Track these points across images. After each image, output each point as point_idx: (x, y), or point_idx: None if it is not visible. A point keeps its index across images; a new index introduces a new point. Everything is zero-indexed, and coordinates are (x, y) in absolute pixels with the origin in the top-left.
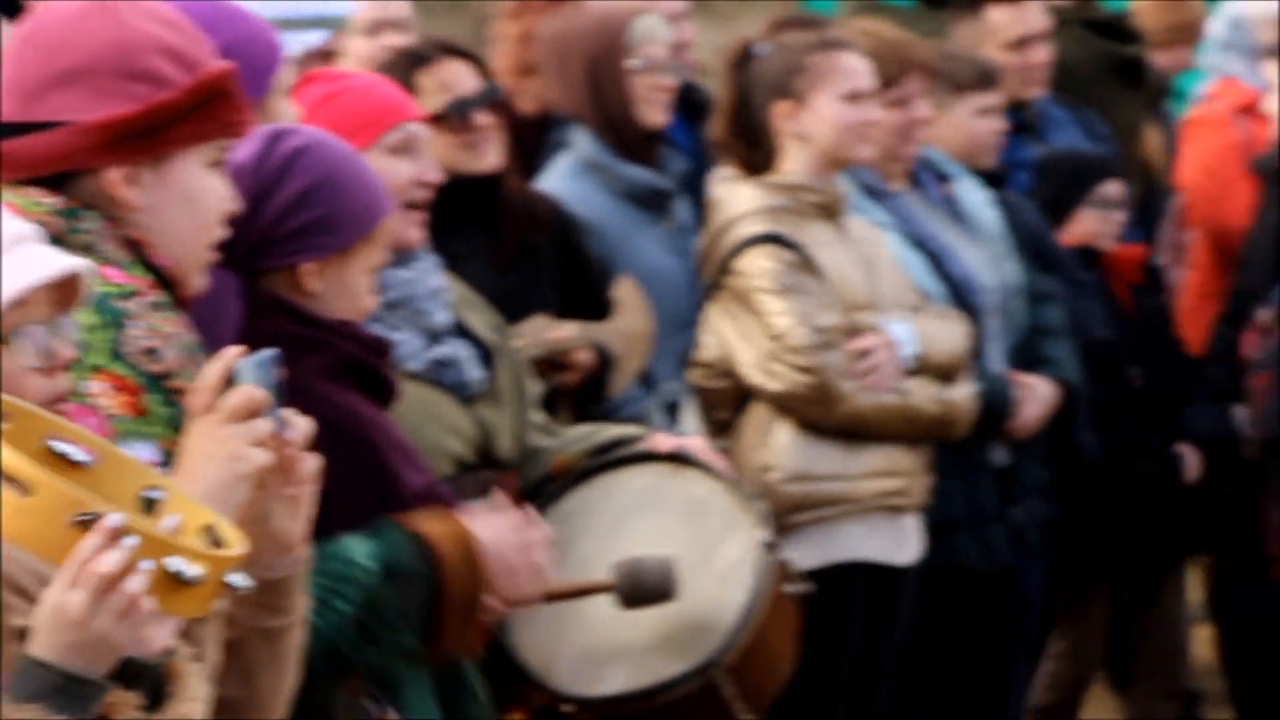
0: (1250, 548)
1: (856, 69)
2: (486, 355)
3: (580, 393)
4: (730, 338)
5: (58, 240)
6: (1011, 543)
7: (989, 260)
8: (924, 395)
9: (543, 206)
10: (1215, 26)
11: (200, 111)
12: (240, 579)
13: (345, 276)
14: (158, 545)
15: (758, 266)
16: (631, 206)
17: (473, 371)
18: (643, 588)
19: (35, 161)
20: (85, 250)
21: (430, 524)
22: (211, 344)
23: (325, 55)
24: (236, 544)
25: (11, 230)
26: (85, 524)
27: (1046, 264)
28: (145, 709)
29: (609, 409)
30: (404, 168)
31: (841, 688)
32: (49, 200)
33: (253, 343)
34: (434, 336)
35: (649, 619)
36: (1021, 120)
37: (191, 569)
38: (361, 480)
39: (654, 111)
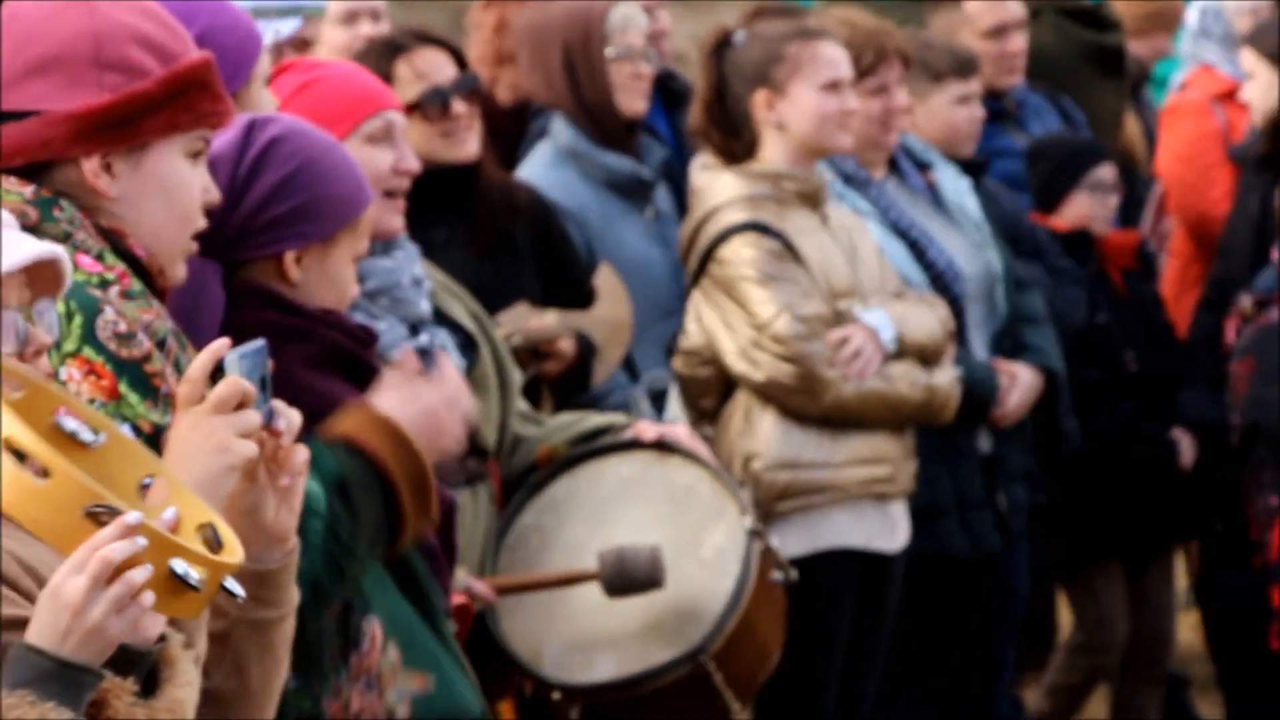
0: (1237, 533)
1: (835, 58)
2: (468, 344)
3: (562, 382)
4: (713, 326)
5: (33, 230)
6: (997, 529)
7: (970, 248)
8: (907, 381)
9: (521, 195)
10: (1190, 14)
11: (176, 102)
12: (236, 586)
13: (328, 265)
14: (165, 545)
15: (740, 255)
16: (612, 195)
17: (455, 360)
18: (629, 576)
19: (9, 151)
20: (61, 239)
21: (347, 425)
22: (193, 334)
23: (299, 44)
24: (235, 549)
25: None
26: (96, 516)
27: (1026, 251)
28: (138, 695)
29: (594, 397)
30: (382, 156)
31: (830, 675)
32: (24, 189)
33: (235, 332)
34: (415, 325)
35: (636, 607)
36: (999, 108)
37: (194, 573)
38: None
39: (633, 100)
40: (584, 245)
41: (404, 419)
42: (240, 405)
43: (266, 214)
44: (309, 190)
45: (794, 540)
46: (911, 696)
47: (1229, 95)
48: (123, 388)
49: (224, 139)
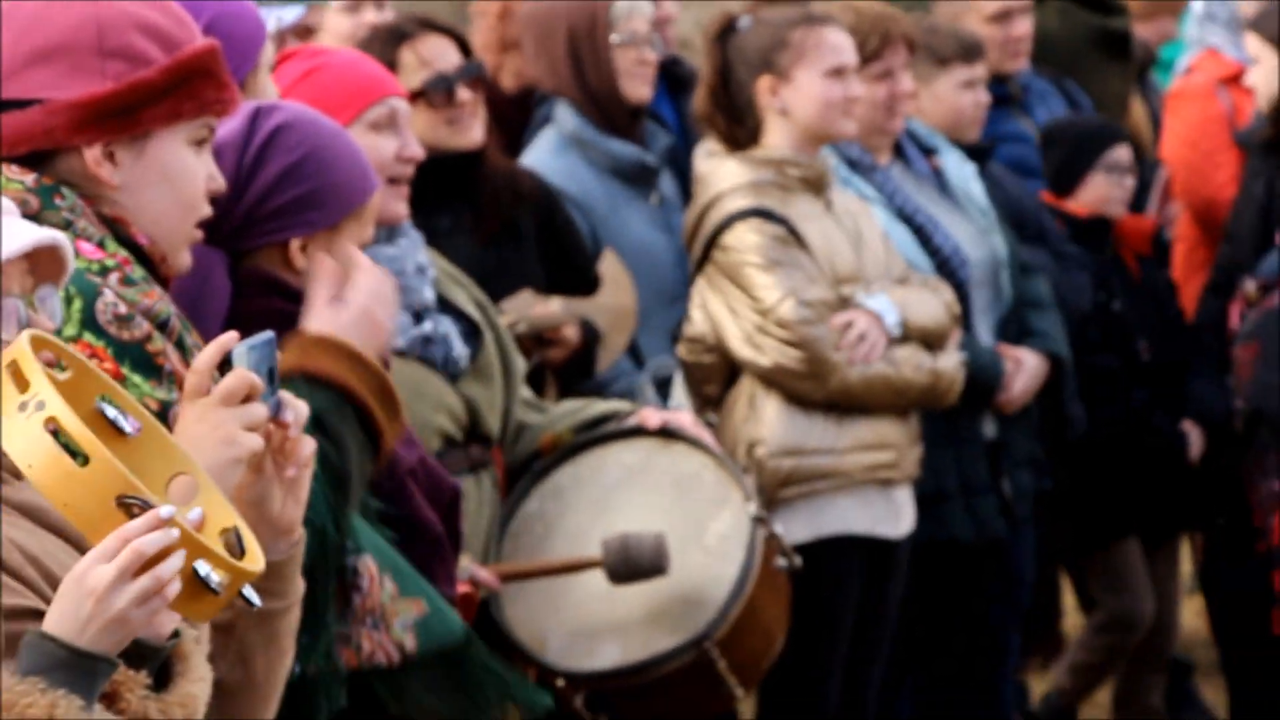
0: (1241, 520)
1: (839, 44)
2: (472, 331)
3: (566, 369)
4: (718, 312)
5: (34, 217)
6: (1002, 515)
7: (976, 233)
8: (912, 365)
9: (526, 182)
10: None
11: (179, 90)
12: (254, 595)
13: (333, 253)
14: (192, 545)
15: (745, 241)
16: (617, 182)
17: (459, 348)
18: (633, 564)
19: (11, 139)
20: (62, 227)
21: (295, 359)
22: (199, 322)
23: (302, 31)
24: (257, 557)
25: None
26: (128, 506)
27: (1032, 236)
28: (151, 689)
29: (599, 384)
30: (386, 144)
31: (834, 662)
32: (25, 177)
33: (241, 321)
34: (419, 313)
35: (640, 594)
36: (1004, 93)
37: (216, 576)
38: None
39: (637, 86)
40: (588, 232)
41: (344, 332)
42: (247, 398)
43: (272, 202)
44: (314, 178)
45: (798, 526)
46: (916, 682)
47: (1234, 79)
48: (125, 370)
49: (229, 127)
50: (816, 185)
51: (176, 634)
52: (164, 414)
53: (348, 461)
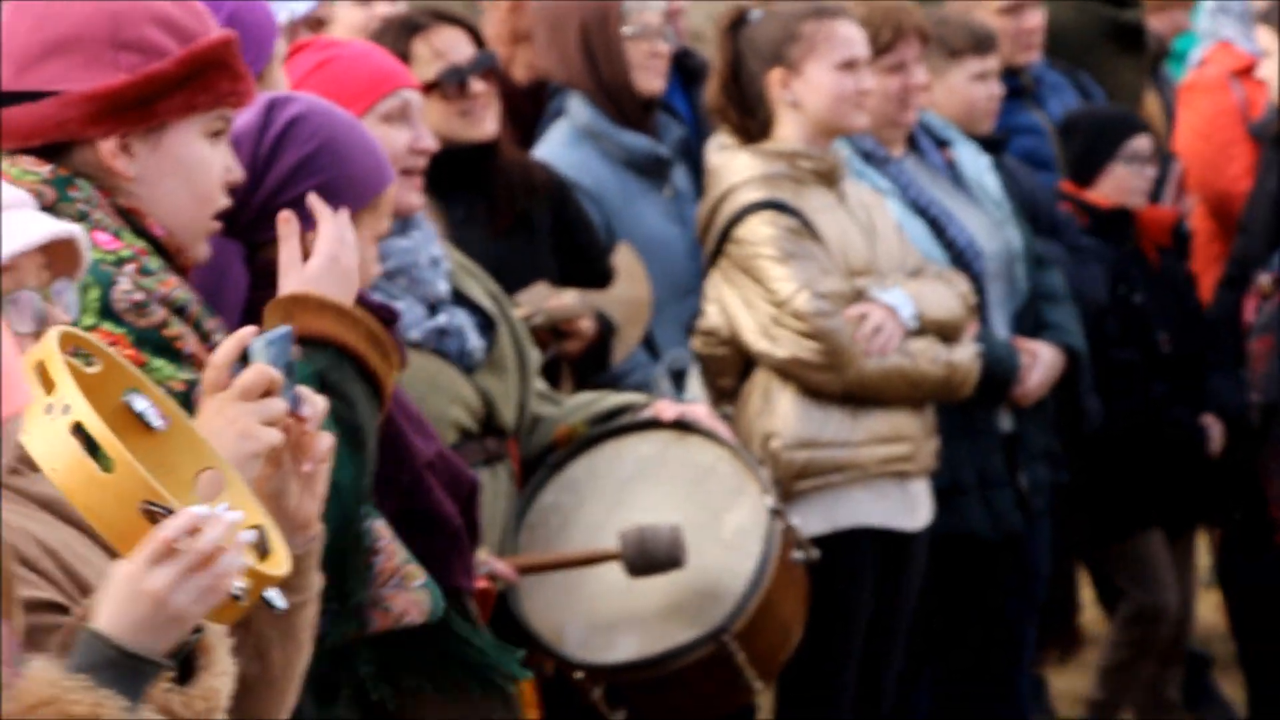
0: (1258, 514)
1: (851, 37)
2: (486, 323)
3: (581, 361)
4: (732, 305)
5: (49, 209)
6: (1018, 508)
7: (990, 226)
8: (928, 357)
9: (539, 174)
10: None
11: (194, 82)
12: (278, 598)
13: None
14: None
15: (758, 233)
16: (630, 174)
17: (474, 340)
18: (650, 556)
19: (27, 131)
20: (77, 219)
21: (280, 322)
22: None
23: (314, 24)
24: (281, 559)
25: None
26: (151, 513)
27: (1046, 229)
28: (174, 682)
29: (615, 377)
30: (399, 136)
31: (850, 654)
32: (40, 169)
33: (259, 312)
34: (434, 306)
35: (657, 587)
36: (1017, 85)
37: (240, 583)
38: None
39: (650, 78)
40: (602, 224)
41: (317, 284)
42: (266, 393)
43: (288, 194)
44: (330, 170)
45: (813, 519)
46: (933, 676)
47: (1247, 72)
48: (147, 355)
49: (244, 118)
50: (829, 178)
51: (200, 628)
52: (189, 394)
53: (358, 415)
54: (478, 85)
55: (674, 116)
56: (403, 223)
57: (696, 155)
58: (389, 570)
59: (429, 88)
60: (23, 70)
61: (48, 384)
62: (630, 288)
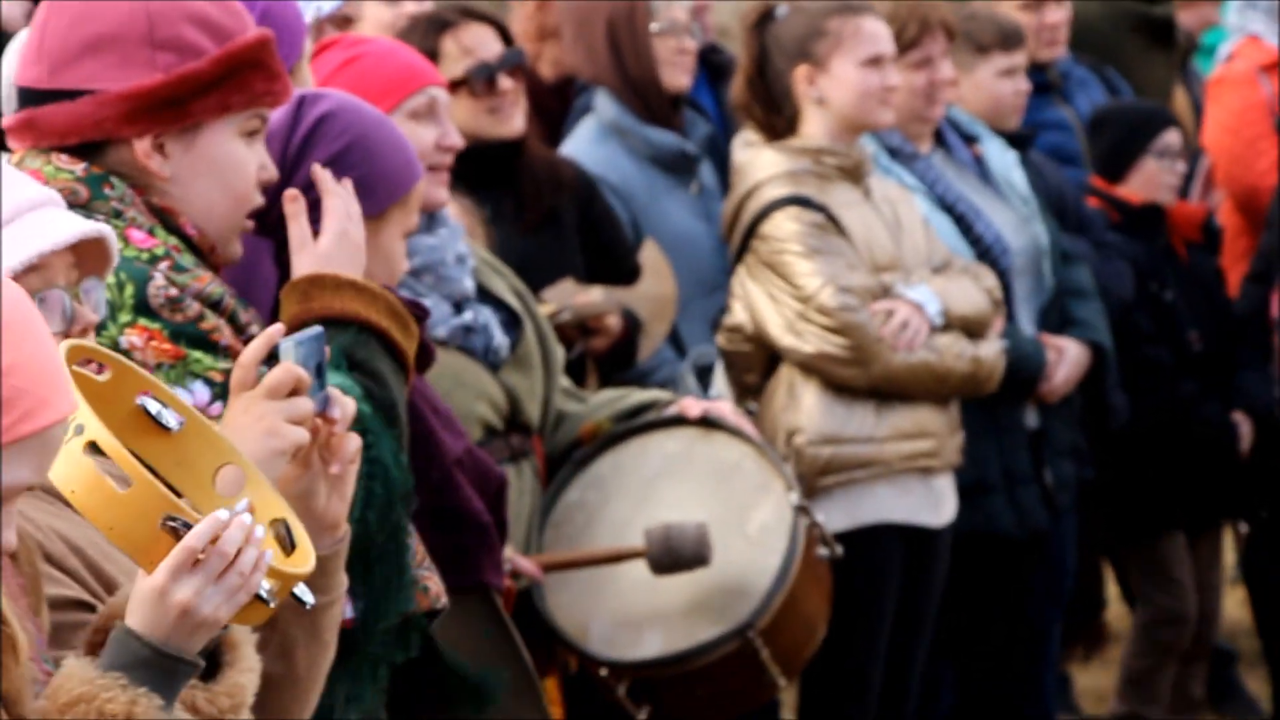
0: None
1: (877, 33)
2: (511, 320)
3: (608, 358)
4: (758, 301)
5: (84, 207)
6: (1044, 505)
7: (1017, 221)
8: (953, 353)
9: (566, 171)
10: None
11: (230, 82)
12: (307, 593)
13: (379, 241)
14: None
15: (784, 229)
16: (657, 170)
17: (499, 337)
18: (676, 554)
19: (62, 130)
20: (112, 216)
21: (299, 308)
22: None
23: (340, 21)
24: (307, 553)
25: (30, 195)
26: (173, 529)
27: (1073, 225)
28: (199, 678)
29: (641, 373)
30: (425, 133)
31: (875, 651)
32: (74, 167)
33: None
34: (459, 303)
35: (683, 583)
36: (1044, 81)
37: (267, 584)
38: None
39: (677, 74)
40: (629, 221)
41: (330, 261)
42: (294, 392)
43: (317, 191)
44: (360, 167)
45: (837, 515)
46: (958, 673)
47: (1276, 66)
48: (184, 348)
49: (274, 116)
50: (854, 174)
51: (226, 625)
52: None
53: (390, 390)
54: (506, 82)
55: (700, 113)
56: (429, 220)
57: (723, 152)
58: (420, 553)
59: (457, 85)
60: (59, 69)
61: None
62: (656, 284)
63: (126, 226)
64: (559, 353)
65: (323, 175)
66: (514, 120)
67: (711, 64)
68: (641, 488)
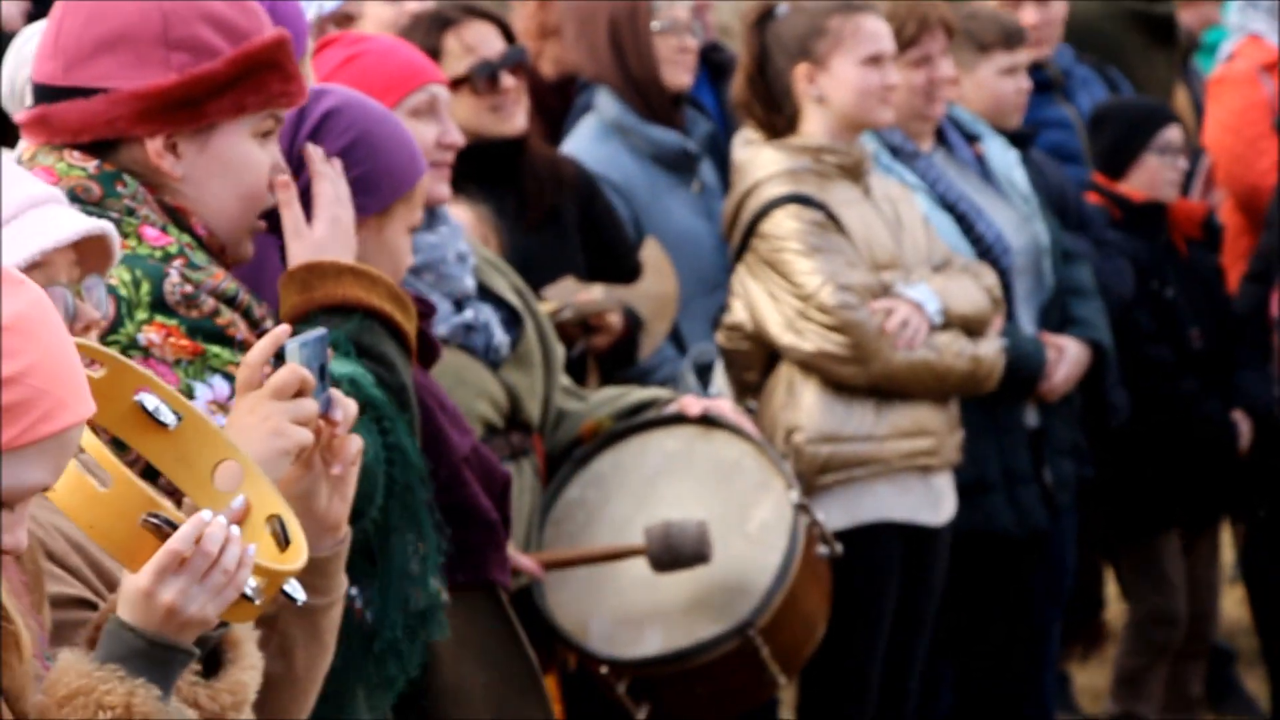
0: None
1: (877, 32)
2: (512, 318)
3: (609, 356)
4: (758, 299)
5: (97, 204)
6: (1044, 504)
7: (1018, 220)
8: (953, 351)
9: (568, 169)
10: None
11: (244, 83)
12: (298, 590)
13: (384, 237)
14: None
15: (784, 227)
16: (658, 169)
17: (500, 335)
18: (676, 552)
19: (75, 127)
20: (125, 214)
21: (300, 298)
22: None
23: (341, 19)
24: (299, 549)
25: (32, 192)
26: (154, 526)
27: (1074, 224)
28: (201, 675)
29: (643, 371)
30: (426, 130)
31: (874, 649)
32: (87, 164)
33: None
34: (460, 301)
35: (683, 581)
36: (1046, 79)
37: (251, 581)
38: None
39: (678, 73)
40: (630, 219)
41: (325, 248)
42: (299, 393)
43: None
44: (365, 163)
45: (836, 513)
46: (958, 672)
47: (1277, 65)
48: (202, 343)
49: None
50: (854, 172)
51: (225, 622)
52: None
53: (399, 374)
54: (508, 80)
55: (701, 112)
56: (429, 218)
57: (724, 150)
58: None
59: (459, 82)
60: (73, 66)
61: None
62: (657, 283)
63: (140, 224)
64: (559, 351)
65: (314, 156)
66: (516, 118)
67: (713, 62)
68: (642, 486)
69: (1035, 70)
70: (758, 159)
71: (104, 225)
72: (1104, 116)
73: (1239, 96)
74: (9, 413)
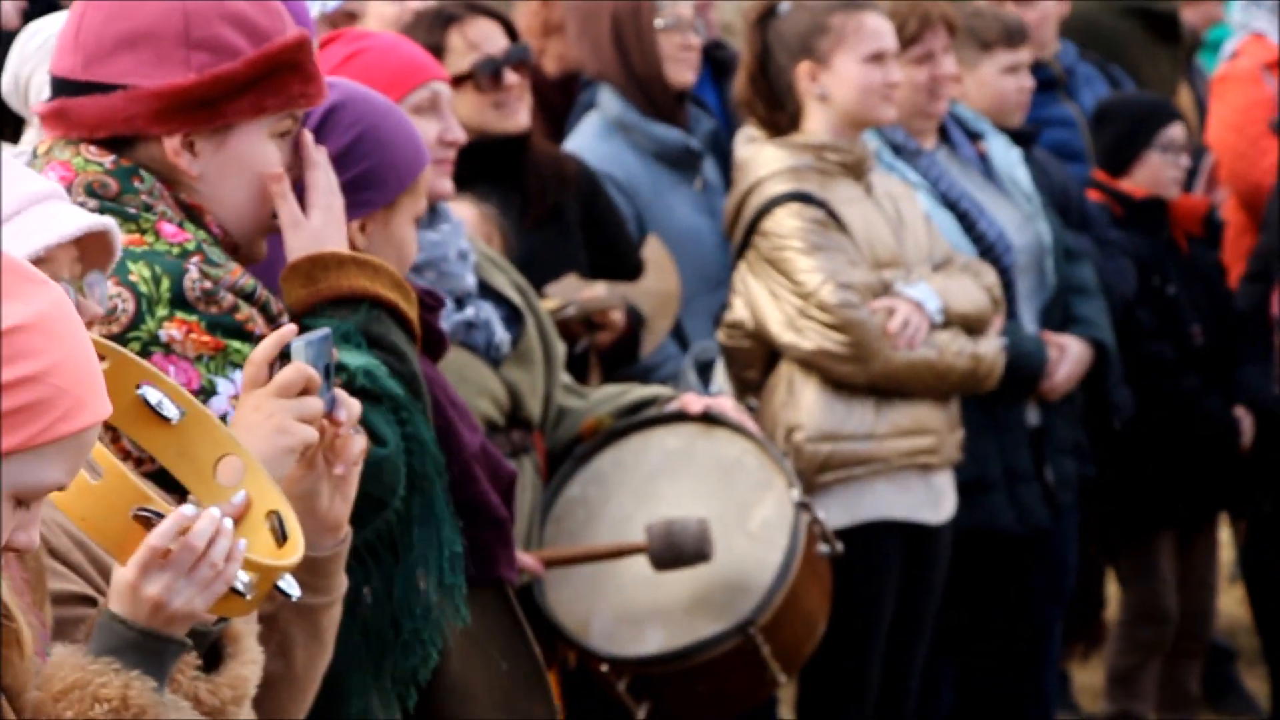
0: None
1: (879, 30)
2: (513, 316)
3: (611, 353)
4: (759, 297)
5: (114, 200)
6: (1045, 502)
7: (1020, 219)
8: (953, 350)
9: (570, 167)
10: None
11: (264, 84)
12: (292, 586)
13: (391, 229)
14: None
15: (785, 225)
16: (661, 166)
17: (501, 333)
18: (677, 550)
19: (93, 123)
20: (143, 210)
21: (305, 292)
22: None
23: (344, 18)
24: (296, 545)
25: (35, 188)
26: (145, 519)
27: (1076, 222)
28: (201, 670)
29: (645, 369)
30: (428, 128)
31: (874, 647)
32: (104, 159)
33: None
34: (461, 299)
35: (684, 580)
36: (1049, 77)
37: (244, 576)
38: None
39: (682, 70)
40: (632, 216)
41: (327, 241)
42: (304, 391)
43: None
44: (370, 158)
45: (836, 512)
46: (958, 670)
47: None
48: (222, 339)
49: None
50: (856, 170)
51: (224, 618)
52: None
53: (410, 363)
54: (512, 77)
55: (704, 109)
56: (431, 215)
57: (727, 148)
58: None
59: (463, 79)
60: (93, 61)
61: None
62: (659, 280)
63: (157, 220)
64: (560, 348)
65: (309, 145)
66: (519, 115)
67: (716, 60)
68: (643, 483)
69: (1038, 68)
70: (759, 157)
71: (106, 221)
72: (1107, 113)
73: (1242, 95)
74: (30, 410)
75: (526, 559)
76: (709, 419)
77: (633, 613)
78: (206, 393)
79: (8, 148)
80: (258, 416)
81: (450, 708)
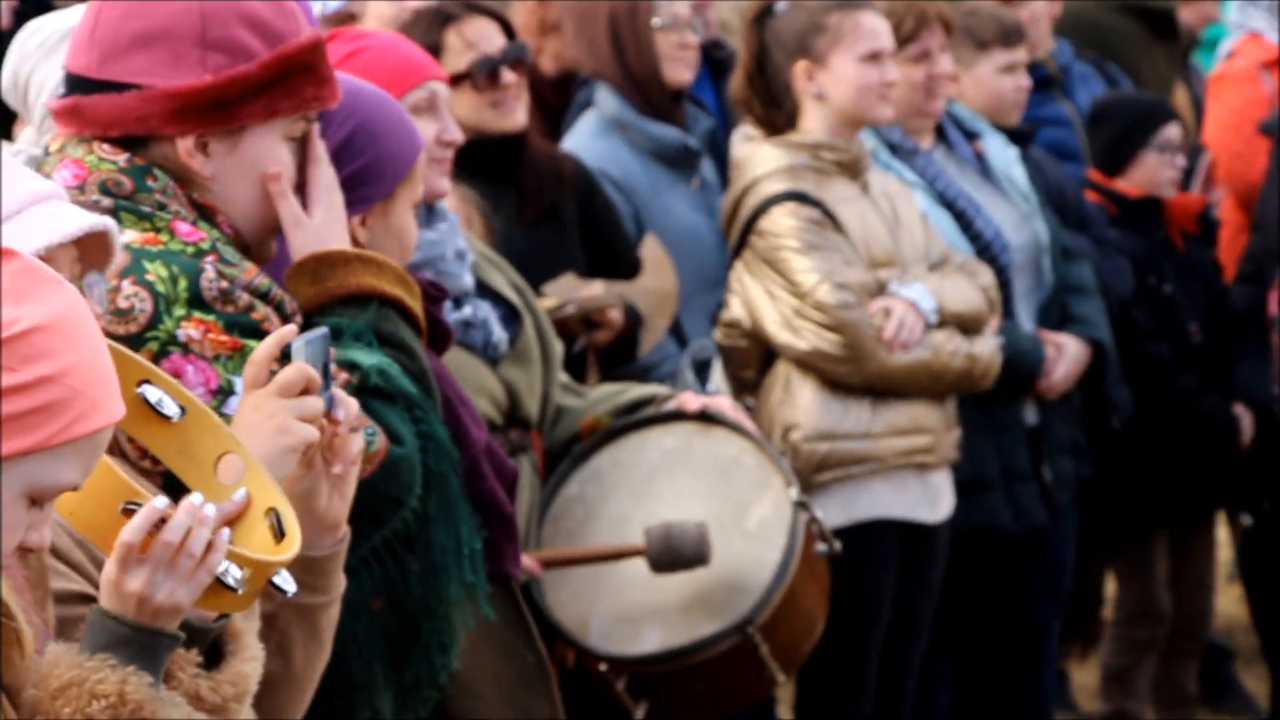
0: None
1: (876, 29)
2: (510, 315)
3: (609, 352)
4: (755, 297)
5: (128, 198)
6: (1043, 502)
7: (1017, 218)
8: (949, 350)
9: (567, 165)
10: None
11: (278, 86)
12: (287, 582)
13: (391, 221)
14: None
15: (781, 225)
16: (659, 165)
17: (498, 332)
18: (675, 554)
19: (106, 121)
20: (157, 209)
21: (312, 290)
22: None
23: (343, 19)
24: (292, 542)
25: (34, 188)
26: (132, 513)
27: (1073, 221)
28: (202, 667)
29: (644, 368)
30: (426, 127)
31: (872, 646)
32: (117, 158)
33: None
34: (458, 298)
35: (682, 579)
36: (1045, 76)
37: (235, 571)
38: None
39: (679, 69)
40: (630, 215)
41: (331, 239)
42: (305, 391)
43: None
44: (366, 152)
45: (833, 511)
46: (956, 670)
47: (1276, 63)
48: (239, 338)
49: None
50: (853, 169)
51: (226, 614)
52: None
53: (420, 360)
54: (509, 76)
55: (701, 108)
56: (428, 214)
57: (724, 147)
58: None
59: (460, 78)
60: (108, 59)
61: None
62: (656, 279)
63: (172, 219)
64: (558, 347)
65: (316, 142)
66: (516, 114)
67: (713, 59)
68: (640, 483)
69: (1035, 67)
70: (756, 155)
71: (105, 221)
72: (1103, 112)
73: (1239, 94)
74: (47, 411)
75: (525, 560)
76: (707, 418)
77: (631, 612)
78: (225, 392)
79: (6, 146)
80: (259, 416)
81: (455, 702)
